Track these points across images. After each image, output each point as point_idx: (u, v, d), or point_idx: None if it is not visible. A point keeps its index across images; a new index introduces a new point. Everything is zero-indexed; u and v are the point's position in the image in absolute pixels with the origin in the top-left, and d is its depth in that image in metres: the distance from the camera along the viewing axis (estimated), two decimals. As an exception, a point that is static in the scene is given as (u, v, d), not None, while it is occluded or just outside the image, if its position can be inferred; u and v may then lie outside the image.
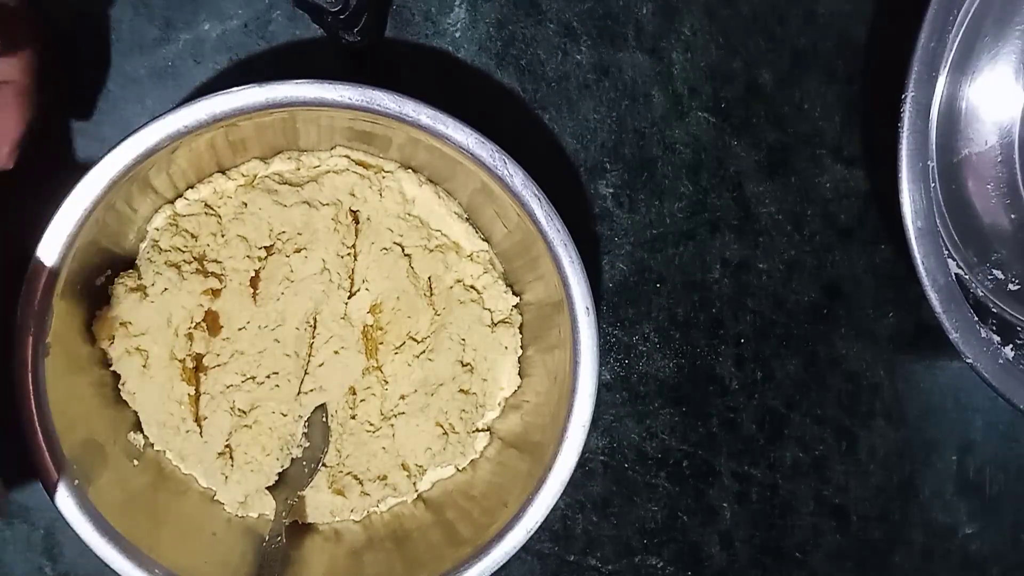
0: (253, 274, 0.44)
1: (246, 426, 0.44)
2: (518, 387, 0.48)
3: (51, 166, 0.46)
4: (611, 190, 0.51)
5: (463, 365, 0.46)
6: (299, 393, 0.45)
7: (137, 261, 0.44)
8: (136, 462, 0.44)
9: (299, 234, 0.44)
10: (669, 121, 0.51)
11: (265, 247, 0.44)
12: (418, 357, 0.46)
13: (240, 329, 0.44)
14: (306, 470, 0.45)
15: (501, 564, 0.42)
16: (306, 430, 0.45)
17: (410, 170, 0.46)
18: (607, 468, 0.52)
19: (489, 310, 0.47)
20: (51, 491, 0.39)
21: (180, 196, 0.44)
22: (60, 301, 0.39)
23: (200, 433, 0.44)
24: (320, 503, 0.47)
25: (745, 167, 0.52)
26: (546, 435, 0.43)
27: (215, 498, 0.46)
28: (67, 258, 0.39)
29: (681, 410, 0.53)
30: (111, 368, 0.44)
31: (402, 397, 0.46)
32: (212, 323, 0.44)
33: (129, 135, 0.38)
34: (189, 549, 0.43)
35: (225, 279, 0.44)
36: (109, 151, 0.38)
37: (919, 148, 0.45)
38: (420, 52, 0.49)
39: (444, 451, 0.46)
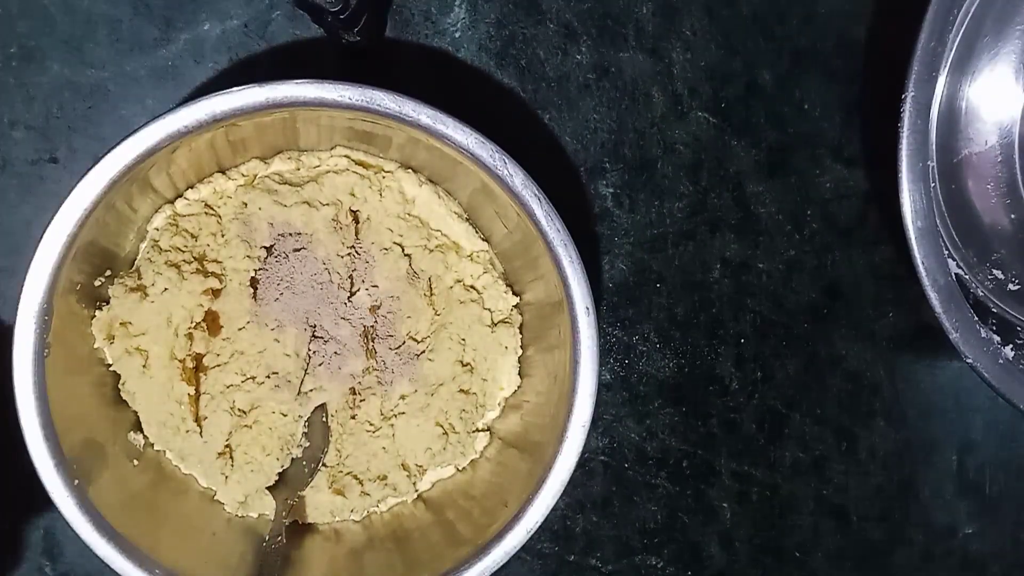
0: (253, 274, 0.44)
1: (246, 426, 0.44)
2: (518, 387, 0.48)
3: (51, 165, 0.46)
4: (611, 190, 0.51)
5: (463, 365, 0.46)
6: (299, 393, 0.45)
7: (137, 261, 0.44)
8: (136, 462, 0.44)
9: (299, 234, 0.44)
10: (669, 121, 0.51)
11: (265, 247, 0.44)
12: (418, 357, 0.46)
13: (240, 329, 0.44)
14: (306, 470, 0.45)
15: (501, 564, 0.42)
16: (306, 430, 0.45)
17: (410, 170, 0.46)
18: (607, 468, 0.52)
19: (489, 310, 0.47)
20: (51, 491, 0.39)
21: (180, 196, 0.44)
22: (60, 301, 0.39)
23: (200, 433, 0.44)
24: (320, 503, 0.47)
25: (745, 167, 0.52)
26: (546, 435, 0.43)
27: (215, 498, 0.46)
28: (67, 258, 0.39)
29: (681, 410, 0.53)
30: (111, 368, 0.44)
31: (402, 397, 0.46)
32: (212, 323, 0.44)
33: (129, 135, 0.38)
34: (189, 549, 0.43)
35: (225, 279, 0.44)
36: (109, 151, 0.38)
37: (919, 148, 0.45)
38: (420, 52, 0.49)
39: (444, 451, 0.46)
